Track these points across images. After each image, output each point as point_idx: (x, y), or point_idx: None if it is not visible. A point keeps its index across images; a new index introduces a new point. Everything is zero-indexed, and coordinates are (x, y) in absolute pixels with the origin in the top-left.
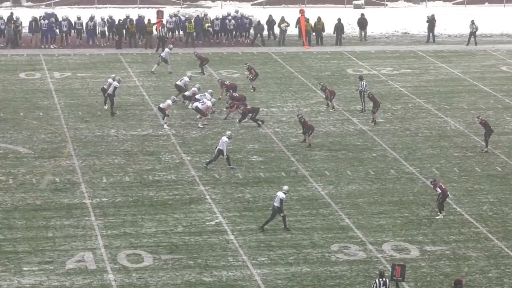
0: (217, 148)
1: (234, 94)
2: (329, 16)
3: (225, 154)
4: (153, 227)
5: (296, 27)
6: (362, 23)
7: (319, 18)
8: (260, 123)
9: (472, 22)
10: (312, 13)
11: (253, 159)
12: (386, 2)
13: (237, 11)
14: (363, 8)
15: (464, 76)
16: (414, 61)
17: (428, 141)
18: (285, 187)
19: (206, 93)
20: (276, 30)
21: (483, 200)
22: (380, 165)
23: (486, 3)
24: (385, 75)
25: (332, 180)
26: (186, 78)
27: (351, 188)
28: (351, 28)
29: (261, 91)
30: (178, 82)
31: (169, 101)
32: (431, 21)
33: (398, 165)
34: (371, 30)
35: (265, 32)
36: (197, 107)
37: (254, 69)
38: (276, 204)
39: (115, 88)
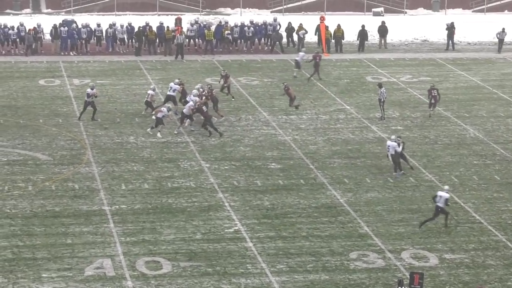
0: (390, 154)
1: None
2: (348, 23)
3: (394, 157)
4: (171, 234)
5: (315, 34)
6: (383, 30)
7: (338, 26)
8: (209, 133)
9: (503, 30)
10: (332, 21)
11: (272, 167)
12: (406, 10)
13: (275, 19)
14: (383, 15)
15: (483, 84)
16: (434, 69)
17: (447, 149)
18: (446, 187)
19: (192, 94)
20: (295, 37)
21: (503, 208)
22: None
23: (506, 11)
24: (404, 83)
25: (351, 187)
26: (174, 86)
27: (370, 195)
28: (371, 36)
29: (280, 99)
30: (169, 93)
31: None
32: (451, 29)
33: (417, 173)
34: (390, 37)
35: (284, 40)
36: (183, 112)
37: (228, 78)
38: (440, 204)
39: (151, 95)
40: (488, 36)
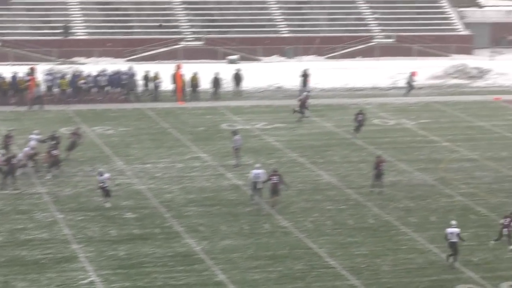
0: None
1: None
2: (204, 71)
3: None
4: None
5: (172, 82)
6: (238, 78)
7: (194, 74)
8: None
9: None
10: (188, 69)
11: (127, 216)
12: (260, 57)
13: (130, 68)
14: (238, 63)
15: (337, 130)
16: (288, 115)
17: (302, 194)
18: (453, 222)
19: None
20: (151, 85)
21: (356, 252)
22: (255, 219)
23: (358, 57)
24: (259, 130)
25: (206, 235)
26: (33, 142)
27: (225, 243)
28: (225, 83)
29: (135, 147)
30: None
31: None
32: (305, 76)
33: (272, 220)
34: (245, 84)
35: (140, 88)
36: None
37: (11, 138)
38: (454, 239)
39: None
40: (341, 82)
